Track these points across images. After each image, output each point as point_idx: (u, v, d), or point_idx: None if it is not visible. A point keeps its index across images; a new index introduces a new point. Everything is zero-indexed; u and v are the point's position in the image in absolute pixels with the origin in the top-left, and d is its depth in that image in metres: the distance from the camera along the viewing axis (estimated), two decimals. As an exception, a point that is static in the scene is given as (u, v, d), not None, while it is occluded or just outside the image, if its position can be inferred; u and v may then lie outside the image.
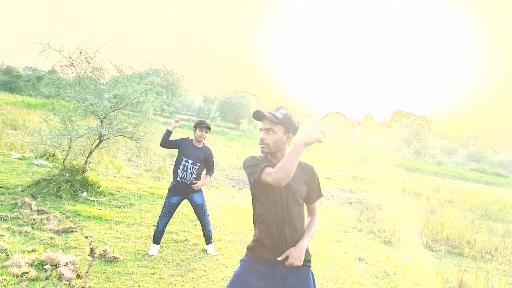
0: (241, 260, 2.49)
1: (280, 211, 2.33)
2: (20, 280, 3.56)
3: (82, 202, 6.35)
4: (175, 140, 4.92)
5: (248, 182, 2.45)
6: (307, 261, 2.42)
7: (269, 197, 2.34)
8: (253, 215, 2.47)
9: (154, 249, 4.83)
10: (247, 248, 2.49)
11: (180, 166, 4.77)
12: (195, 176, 4.78)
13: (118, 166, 10.21)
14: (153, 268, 4.31)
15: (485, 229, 11.60)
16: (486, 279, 6.44)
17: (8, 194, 6.23)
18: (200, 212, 4.98)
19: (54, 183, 6.53)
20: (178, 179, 4.78)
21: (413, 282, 6.09)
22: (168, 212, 4.83)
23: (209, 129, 4.81)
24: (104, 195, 6.91)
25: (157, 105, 7.41)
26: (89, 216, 5.75)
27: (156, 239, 4.86)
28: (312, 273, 2.46)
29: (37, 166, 8.36)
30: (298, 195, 2.38)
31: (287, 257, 2.32)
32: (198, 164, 4.78)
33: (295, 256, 2.29)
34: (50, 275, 3.74)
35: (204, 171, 5.02)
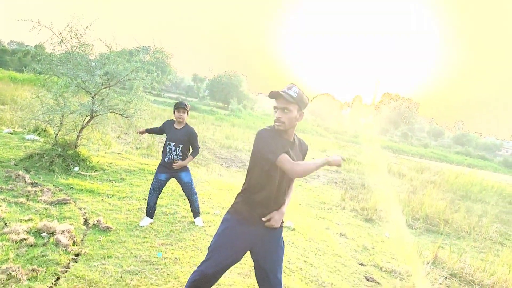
0: (224, 219, 2.72)
1: (276, 182, 2.58)
2: (19, 245, 3.79)
3: (74, 176, 6.56)
4: (159, 127, 5.18)
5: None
6: (281, 223, 2.73)
7: (270, 170, 2.54)
8: (247, 178, 2.69)
9: (145, 220, 5.05)
10: (232, 207, 2.73)
11: (166, 148, 4.97)
12: (180, 156, 4.96)
13: (108, 143, 10.39)
14: (144, 237, 4.56)
15: (463, 209, 12.04)
16: (459, 254, 6.82)
17: (1, 167, 6.40)
18: (187, 190, 5.16)
19: (47, 157, 6.71)
20: (166, 159, 4.97)
21: (391, 257, 6.44)
22: (157, 188, 5.00)
23: (186, 109, 4.96)
24: (95, 170, 7.12)
25: (147, 83, 7.56)
26: (82, 189, 5.97)
27: (149, 214, 5.08)
28: (282, 238, 2.78)
29: (29, 141, 8.51)
30: None
31: (268, 218, 2.61)
32: (181, 145, 4.94)
33: (277, 219, 2.61)
34: (47, 242, 3.98)
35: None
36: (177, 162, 4.94)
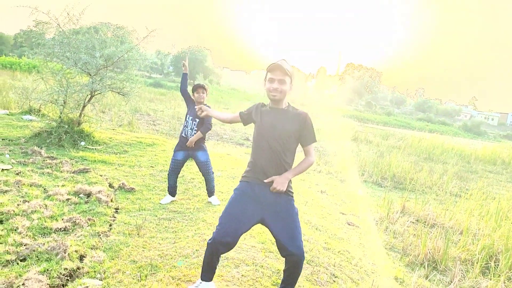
0: (234, 189, 2.88)
1: (267, 143, 2.75)
2: (66, 204, 4.55)
3: (82, 150, 7.24)
4: (190, 97, 5.16)
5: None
6: (290, 191, 2.82)
7: (261, 132, 2.81)
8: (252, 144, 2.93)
9: (167, 198, 5.18)
10: (242, 176, 2.91)
11: (184, 123, 5.05)
12: (195, 131, 4.96)
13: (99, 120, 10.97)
14: (166, 195, 5.36)
15: (426, 169, 13.27)
16: (424, 204, 7.91)
17: (14, 145, 7.01)
18: (204, 169, 5.15)
19: (55, 134, 7.34)
20: (182, 134, 5.05)
21: (365, 207, 7.48)
22: (174, 169, 5.09)
23: (205, 89, 5.00)
24: (99, 144, 7.81)
25: (141, 64, 8.21)
26: (95, 160, 6.69)
27: (171, 193, 5.21)
28: (295, 207, 2.84)
29: (28, 121, 9.04)
30: (286, 134, 2.76)
31: (272, 182, 2.74)
32: (198, 120, 4.94)
33: (279, 182, 2.71)
34: (88, 200, 4.75)
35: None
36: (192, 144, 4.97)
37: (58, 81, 7.49)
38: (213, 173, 5.29)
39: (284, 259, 2.79)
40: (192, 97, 5.08)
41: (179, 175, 5.31)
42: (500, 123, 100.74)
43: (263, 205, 2.75)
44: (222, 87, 64.50)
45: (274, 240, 2.84)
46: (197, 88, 4.97)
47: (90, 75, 7.60)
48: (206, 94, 5.02)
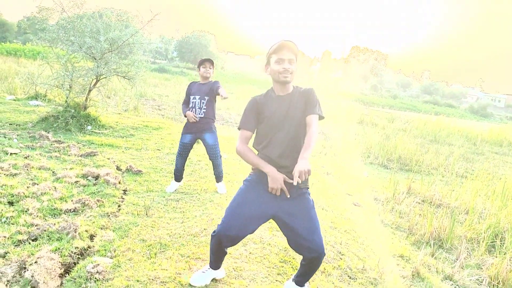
0: (245, 180, 2.65)
1: (283, 134, 2.51)
2: (75, 186, 4.60)
3: (89, 134, 7.29)
4: (186, 95, 4.90)
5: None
6: (306, 181, 2.59)
7: (273, 124, 2.53)
8: (256, 137, 2.66)
9: (173, 185, 4.96)
10: (252, 169, 2.65)
11: (190, 105, 4.75)
12: (204, 110, 4.69)
13: (105, 105, 11.01)
14: (173, 177, 5.39)
15: (432, 150, 13.25)
16: (430, 184, 7.92)
17: (21, 129, 7.07)
18: (212, 153, 4.88)
19: (62, 119, 7.39)
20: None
21: (371, 188, 7.51)
22: (182, 152, 4.85)
23: (212, 63, 4.75)
24: (105, 128, 7.85)
25: (146, 48, 8.20)
26: (102, 144, 6.74)
27: (177, 177, 4.97)
28: (311, 199, 2.58)
29: (34, 106, 9.09)
30: (300, 117, 2.53)
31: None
32: (206, 97, 4.68)
33: (301, 166, 2.24)
34: (97, 182, 4.81)
35: (216, 112, 4.99)
36: (196, 118, 4.67)
37: (63, 65, 7.50)
38: (221, 157, 5.02)
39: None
40: (199, 73, 4.76)
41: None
42: (507, 104, 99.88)
43: (277, 200, 2.48)
44: (226, 71, 64.22)
45: (287, 238, 2.57)
46: (204, 62, 4.71)
47: (95, 59, 7.61)
48: (213, 70, 4.78)
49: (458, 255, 4.65)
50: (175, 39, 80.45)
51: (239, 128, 2.63)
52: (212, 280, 2.82)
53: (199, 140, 5.00)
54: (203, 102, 4.71)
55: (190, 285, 2.74)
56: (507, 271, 4.16)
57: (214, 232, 2.55)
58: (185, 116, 4.75)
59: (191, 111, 4.72)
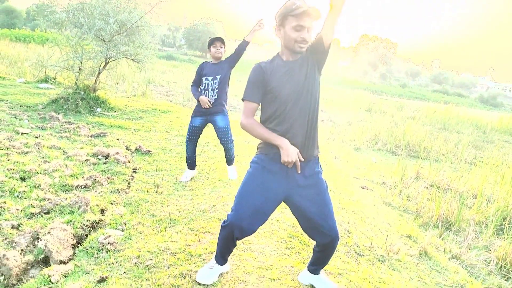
0: (251, 162, 2.39)
1: (297, 109, 2.24)
2: (85, 164, 4.66)
3: (98, 116, 7.35)
4: (196, 75, 4.64)
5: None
6: (317, 158, 2.42)
7: (286, 98, 2.24)
8: (263, 113, 2.34)
9: (187, 174, 4.67)
10: (258, 148, 2.39)
11: (201, 87, 4.50)
12: (217, 91, 4.42)
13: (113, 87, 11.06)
14: (182, 157, 5.44)
15: (441, 138, 13.18)
16: (438, 170, 7.90)
17: (32, 111, 7.13)
18: (223, 136, 4.57)
19: (72, 101, 7.45)
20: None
21: (379, 174, 7.51)
22: (192, 136, 4.58)
23: (223, 42, 4.46)
24: (115, 111, 7.90)
25: (155, 31, 8.21)
26: (111, 125, 6.79)
27: (189, 165, 4.69)
28: (324, 180, 2.41)
29: (44, 88, 9.16)
30: (314, 84, 2.29)
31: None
32: (219, 76, 4.41)
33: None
34: (107, 161, 4.86)
35: (228, 94, 4.70)
36: (210, 104, 4.39)
37: (73, 47, 7.53)
38: (233, 141, 4.70)
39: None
40: (209, 53, 4.47)
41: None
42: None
43: (289, 181, 2.26)
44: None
45: (298, 220, 2.40)
46: (214, 41, 4.42)
47: (104, 41, 7.63)
48: (224, 49, 4.49)
49: (466, 237, 4.66)
50: (183, 27, 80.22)
51: (243, 99, 2.32)
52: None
53: (211, 123, 4.63)
54: (215, 83, 4.42)
55: (199, 256, 2.78)
56: (515, 252, 4.16)
57: (224, 222, 2.32)
58: (198, 101, 4.46)
59: (203, 93, 4.44)
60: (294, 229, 3.44)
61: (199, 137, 4.66)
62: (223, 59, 4.53)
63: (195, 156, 4.68)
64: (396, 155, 10.20)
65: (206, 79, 4.44)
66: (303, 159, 2.23)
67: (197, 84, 4.60)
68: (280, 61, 2.30)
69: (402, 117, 18.76)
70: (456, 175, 7.84)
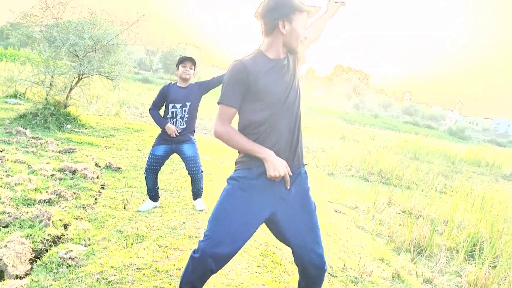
0: (229, 178, 1.99)
1: (284, 117, 1.95)
2: (51, 179, 4.46)
3: (68, 133, 7.14)
4: (158, 97, 4.05)
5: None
6: (303, 168, 2.12)
7: (274, 105, 1.93)
8: (246, 123, 1.96)
9: (147, 204, 4.09)
10: (238, 162, 2.01)
11: (168, 115, 3.96)
12: (187, 119, 3.95)
13: (84, 106, 10.85)
14: (145, 200, 5.27)
15: (412, 167, 13.37)
16: (410, 196, 7.97)
17: (-1, 125, 6.88)
18: (192, 165, 4.04)
19: (41, 116, 7.23)
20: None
21: (353, 198, 7.50)
22: (152, 167, 3.98)
23: (194, 63, 4.01)
24: (85, 128, 7.71)
25: (132, 51, 8.13)
26: (81, 142, 6.60)
27: (152, 197, 4.11)
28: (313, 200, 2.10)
29: (13, 104, 8.90)
30: (298, 89, 2.03)
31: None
32: (189, 104, 3.95)
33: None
34: (74, 176, 4.67)
35: (199, 121, 4.15)
36: (177, 132, 3.91)
37: (45, 62, 7.37)
38: (202, 171, 4.17)
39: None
40: (176, 73, 4.00)
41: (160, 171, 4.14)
42: (484, 128, 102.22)
43: (274, 199, 1.93)
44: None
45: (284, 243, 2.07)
46: (185, 60, 3.94)
47: (78, 57, 7.50)
48: (194, 71, 4.01)
49: (438, 262, 4.64)
50: (160, 51, 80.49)
51: (219, 102, 1.94)
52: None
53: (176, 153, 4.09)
54: (184, 110, 3.93)
55: (166, 272, 2.64)
56: (485, 278, 4.16)
57: (195, 251, 1.88)
58: (163, 129, 3.95)
59: (171, 122, 3.92)
60: (267, 248, 3.35)
61: (160, 167, 4.04)
62: (191, 81, 4.08)
63: (158, 188, 4.10)
64: (369, 181, 10.26)
65: (174, 106, 3.92)
66: (291, 173, 1.93)
67: (158, 107, 4.06)
68: (265, 58, 1.96)
69: (374, 146, 19.04)
70: (427, 202, 7.90)
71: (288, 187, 1.92)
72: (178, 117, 3.92)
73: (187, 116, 3.93)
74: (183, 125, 3.93)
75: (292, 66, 2.03)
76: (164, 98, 3.98)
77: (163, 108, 4.07)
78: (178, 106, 3.90)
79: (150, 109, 4.04)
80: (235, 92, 1.90)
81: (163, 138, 3.95)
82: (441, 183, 11.56)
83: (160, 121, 3.96)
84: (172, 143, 3.95)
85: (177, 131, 3.89)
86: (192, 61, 3.97)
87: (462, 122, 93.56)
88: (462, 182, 12.18)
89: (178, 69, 3.96)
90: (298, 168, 2.01)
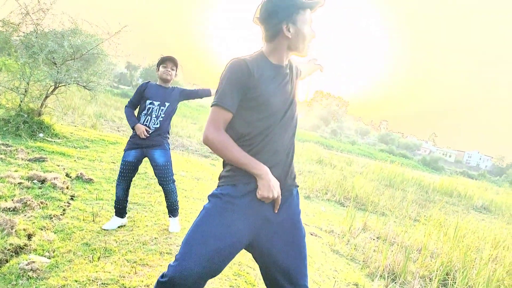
0: (211, 195, 1.77)
1: (283, 130, 1.77)
2: (18, 187, 4.27)
3: (40, 141, 6.92)
4: (135, 95, 3.84)
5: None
6: (296, 188, 1.92)
7: (273, 116, 1.74)
8: (241, 132, 1.73)
9: (113, 222, 3.74)
10: (222, 177, 1.80)
11: (144, 111, 3.72)
12: (161, 119, 3.71)
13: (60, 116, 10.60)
14: (112, 217, 5.13)
15: (387, 194, 13.48)
16: (385, 223, 7.97)
17: (-33, 130, 6.63)
18: (162, 174, 3.76)
19: (13, 123, 7.00)
20: (140, 122, 3.72)
21: (328, 222, 7.45)
22: (125, 173, 3.70)
23: (176, 64, 3.83)
24: (59, 137, 7.48)
25: (112, 62, 8.01)
26: (53, 152, 6.38)
27: (118, 211, 3.76)
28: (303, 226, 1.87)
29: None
30: (296, 102, 1.87)
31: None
32: (167, 104, 3.74)
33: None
34: (43, 186, 4.48)
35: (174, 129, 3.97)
36: (148, 132, 3.67)
37: (20, 67, 7.17)
38: (174, 181, 3.88)
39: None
40: (157, 73, 3.81)
41: (134, 179, 3.97)
42: (457, 160, 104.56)
43: (259, 221, 1.71)
44: (190, 103, 63.98)
45: (262, 273, 1.83)
46: (166, 61, 3.78)
47: (56, 64, 7.33)
48: (176, 72, 3.85)
49: (412, 289, 4.59)
50: (141, 67, 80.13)
51: (214, 105, 1.71)
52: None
53: (147, 158, 3.83)
54: (162, 110, 3.71)
55: (134, 289, 2.51)
56: (459, 307, 4.13)
57: (163, 275, 1.64)
58: (133, 128, 3.69)
59: (144, 119, 3.69)
60: (240, 267, 3.23)
61: (133, 175, 3.77)
62: (171, 84, 3.93)
63: (127, 201, 3.78)
64: (344, 206, 10.25)
65: (152, 103, 3.69)
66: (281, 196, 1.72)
67: (134, 106, 3.86)
68: (267, 63, 1.78)
69: (351, 171, 19.16)
70: (401, 229, 7.91)
71: (276, 211, 1.72)
72: (153, 115, 3.69)
73: (163, 115, 3.71)
74: (157, 124, 3.69)
75: (294, 76, 1.88)
76: (141, 96, 3.77)
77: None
78: (156, 103, 3.70)
79: (125, 106, 3.86)
80: (234, 93, 1.69)
81: (134, 142, 3.70)
82: (415, 211, 11.64)
83: (132, 120, 3.75)
84: (143, 147, 3.69)
85: (148, 131, 3.65)
86: (173, 61, 3.80)
87: (435, 153, 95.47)
88: (435, 211, 12.29)
89: (158, 69, 3.80)
90: (290, 189, 1.82)
